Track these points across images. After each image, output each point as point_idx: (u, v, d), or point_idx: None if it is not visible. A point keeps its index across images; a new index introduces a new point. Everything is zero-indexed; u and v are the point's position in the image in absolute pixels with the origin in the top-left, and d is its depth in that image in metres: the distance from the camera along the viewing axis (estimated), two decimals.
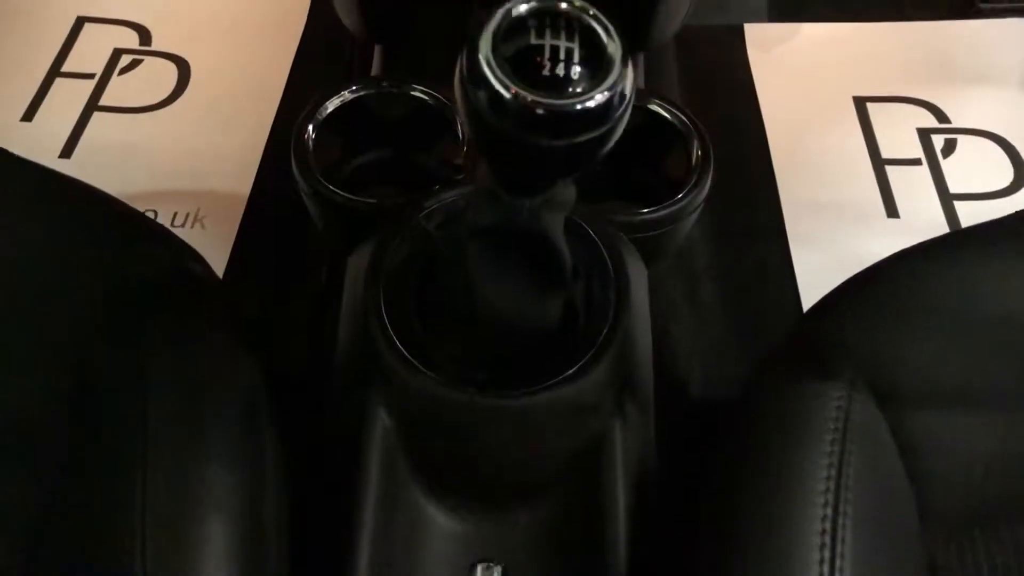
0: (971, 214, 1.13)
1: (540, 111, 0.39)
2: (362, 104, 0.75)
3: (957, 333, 0.56)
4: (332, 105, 0.74)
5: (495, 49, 0.40)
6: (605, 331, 0.58)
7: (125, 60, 1.28)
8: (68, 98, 1.22)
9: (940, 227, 1.12)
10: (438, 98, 0.74)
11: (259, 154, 1.15)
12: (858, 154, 1.20)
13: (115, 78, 1.25)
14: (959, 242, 0.64)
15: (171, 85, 1.25)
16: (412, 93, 0.75)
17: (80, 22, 1.32)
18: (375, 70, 0.90)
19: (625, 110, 0.40)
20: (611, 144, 0.42)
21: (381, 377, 0.57)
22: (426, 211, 0.64)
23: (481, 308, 0.55)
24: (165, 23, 1.32)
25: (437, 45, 0.87)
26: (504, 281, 0.54)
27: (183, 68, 1.27)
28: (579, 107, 0.39)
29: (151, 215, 1.09)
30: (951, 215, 1.13)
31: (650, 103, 0.74)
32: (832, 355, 0.56)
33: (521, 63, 0.40)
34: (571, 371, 0.56)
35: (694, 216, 0.72)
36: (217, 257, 1.05)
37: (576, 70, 0.39)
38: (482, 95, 0.40)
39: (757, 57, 1.31)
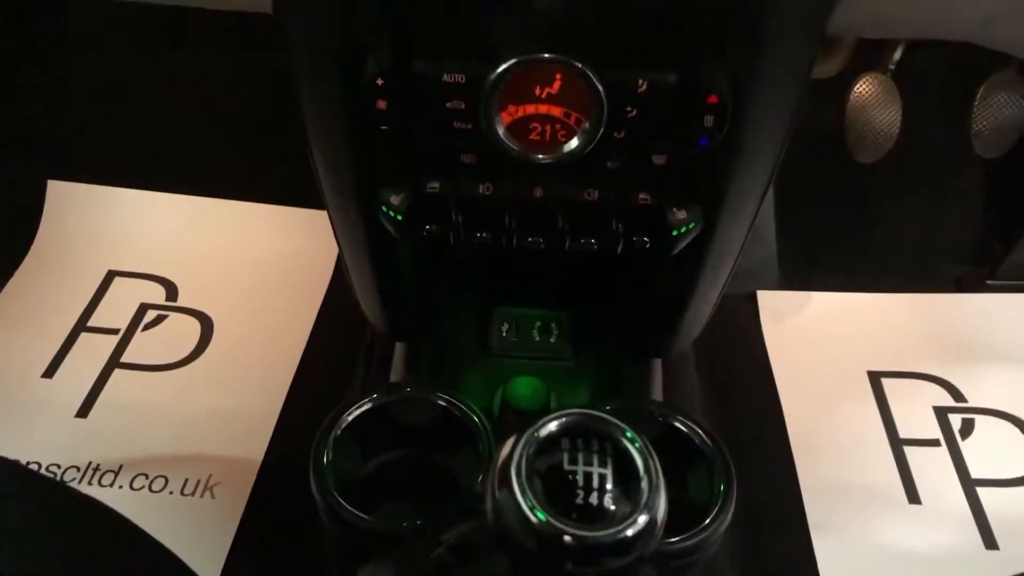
0: (995, 502, 1.11)
1: (569, 540, 0.38)
2: (384, 410, 0.76)
3: None
4: (352, 415, 0.74)
5: (528, 464, 0.40)
6: None
7: (150, 315, 1.30)
8: (91, 354, 1.24)
9: (964, 516, 1.10)
10: (460, 407, 0.74)
11: (274, 419, 1.15)
12: (875, 433, 1.19)
13: (139, 334, 1.28)
14: None
15: (193, 342, 1.27)
16: (435, 400, 0.75)
17: (111, 276, 1.36)
18: (396, 366, 0.91)
19: (657, 534, 0.40)
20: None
21: None
22: (442, 546, 0.63)
23: None
24: (192, 279, 1.36)
25: (459, 346, 0.89)
26: None
27: (206, 325, 1.29)
28: (610, 540, 0.38)
29: (161, 482, 1.08)
30: (974, 503, 1.11)
31: (673, 420, 0.74)
32: None
33: (554, 482, 0.40)
34: None
35: (717, 544, 0.70)
36: (224, 532, 1.03)
37: (609, 497, 0.39)
38: (511, 514, 0.39)
39: (770, 326, 1.33)
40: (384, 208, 0.65)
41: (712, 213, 0.65)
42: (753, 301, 1.37)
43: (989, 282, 1.39)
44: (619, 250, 0.65)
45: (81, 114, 1.44)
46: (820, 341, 1.32)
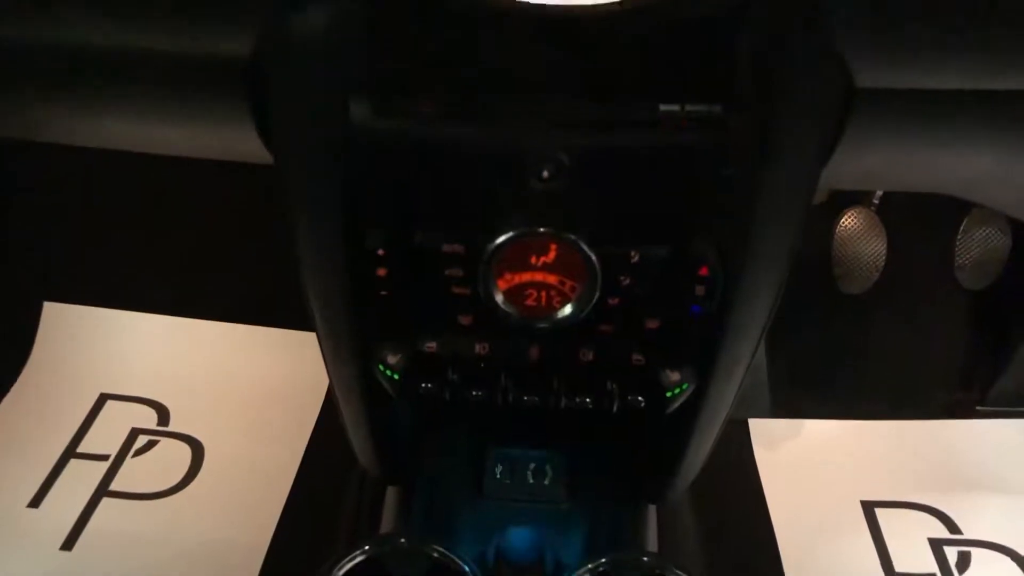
0: None
1: None
2: (376, 562, 0.75)
3: None
4: (344, 569, 0.73)
5: None
6: None
7: (141, 441, 1.30)
8: (79, 482, 1.23)
9: None
10: (454, 560, 0.74)
11: (263, 553, 1.14)
12: (871, 567, 1.18)
13: (129, 460, 1.27)
14: None
15: (183, 470, 1.25)
16: (428, 552, 0.75)
17: (103, 399, 1.36)
18: (388, 508, 0.90)
19: None
20: None
21: None
22: None
23: None
24: (184, 402, 1.36)
25: (452, 489, 0.89)
26: None
27: (197, 450, 1.28)
28: None
29: None
30: None
31: (669, 573, 0.73)
32: None
33: None
34: None
35: None
36: None
37: None
38: None
39: (763, 455, 1.33)
40: (381, 367, 0.66)
41: (706, 373, 0.66)
42: (745, 429, 1.37)
43: (979, 408, 1.39)
44: (614, 409, 0.66)
45: (77, 236, 1.46)
46: (813, 470, 1.32)
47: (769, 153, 0.55)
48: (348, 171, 0.58)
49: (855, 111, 0.57)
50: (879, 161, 0.66)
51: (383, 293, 0.61)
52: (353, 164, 0.57)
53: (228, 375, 1.41)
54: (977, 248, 1.26)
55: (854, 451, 1.35)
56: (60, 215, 1.46)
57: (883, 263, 1.25)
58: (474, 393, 0.66)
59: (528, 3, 0.45)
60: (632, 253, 0.59)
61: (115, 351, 1.42)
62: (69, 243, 1.46)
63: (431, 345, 0.65)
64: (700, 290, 0.60)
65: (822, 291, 1.31)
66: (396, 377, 0.66)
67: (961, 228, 1.25)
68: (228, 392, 1.38)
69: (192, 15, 0.54)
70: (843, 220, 1.25)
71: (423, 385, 0.66)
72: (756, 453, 1.34)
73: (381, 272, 0.60)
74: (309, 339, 1.40)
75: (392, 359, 0.65)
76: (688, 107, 0.53)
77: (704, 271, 0.59)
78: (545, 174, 0.54)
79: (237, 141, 0.65)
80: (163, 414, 1.34)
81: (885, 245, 1.25)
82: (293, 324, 1.44)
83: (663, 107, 0.53)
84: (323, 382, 1.37)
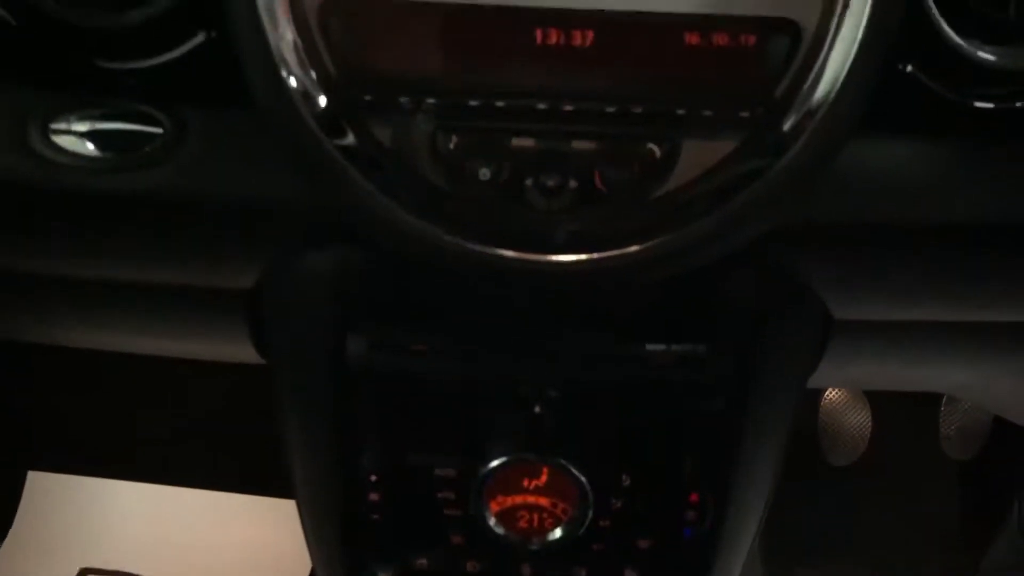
0: None
1: None
2: None
3: None
4: None
5: None
6: None
7: None
8: None
9: None
10: None
11: None
12: None
13: None
14: None
15: None
16: None
17: (83, 574, 1.32)
18: None
19: None
20: None
21: None
22: None
23: None
24: (166, 574, 1.33)
25: None
26: None
27: None
28: None
29: None
30: None
31: None
32: None
33: None
34: None
35: None
36: None
37: None
38: None
39: None
40: None
41: None
42: None
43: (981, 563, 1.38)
44: None
45: (63, 404, 1.45)
46: None
47: (751, 386, 0.57)
48: (342, 398, 0.59)
49: (834, 338, 0.59)
50: (860, 372, 0.68)
51: (375, 516, 0.62)
52: (347, 392, 0.58)
53: (211, 545, 1.38)
54: (961, 418, 1.27)
55: None
56: (44, 384, 1.46)
57: (869, 434, 1.26)
58: None
59: (520, 258, 0.47)
60: (623, 477, 0.60)
61: (97, 522, 1.39)
62: (55, 411, 1.45)
63: (422, 562, 0.65)
64: (691, 515, 0.60)
65: (810, 462, 1.31)
66: None
67: (945, 398, 1.26)
68: (211, 563, 1.35)
69: (204, 257, 0.56)
70: (828, 393, 1.26)
71: None
72: None
73: (374, 497, 0.61)
74: (293, 508, 1.38)
75: None
76: (674, 346, 0.55)
77: (694, 497, 0.60)
78: (537, 409, 0.55)
79: (233, 351, 0.66)
80: None
81: (870, 416, 1.26)
82: (278, 492, 1.42)
83: (649, 346, 0.55)
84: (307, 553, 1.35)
